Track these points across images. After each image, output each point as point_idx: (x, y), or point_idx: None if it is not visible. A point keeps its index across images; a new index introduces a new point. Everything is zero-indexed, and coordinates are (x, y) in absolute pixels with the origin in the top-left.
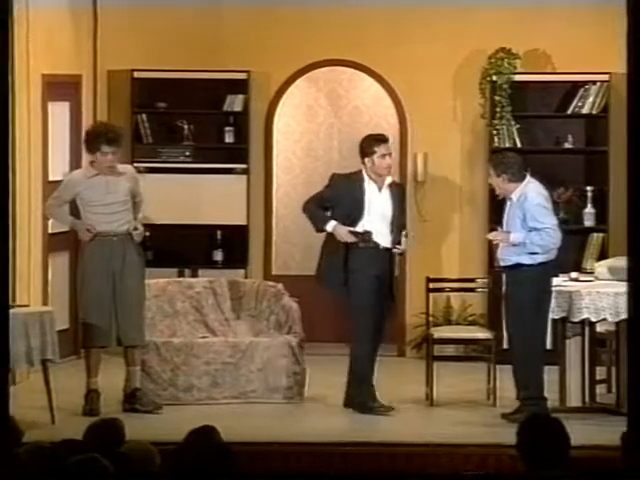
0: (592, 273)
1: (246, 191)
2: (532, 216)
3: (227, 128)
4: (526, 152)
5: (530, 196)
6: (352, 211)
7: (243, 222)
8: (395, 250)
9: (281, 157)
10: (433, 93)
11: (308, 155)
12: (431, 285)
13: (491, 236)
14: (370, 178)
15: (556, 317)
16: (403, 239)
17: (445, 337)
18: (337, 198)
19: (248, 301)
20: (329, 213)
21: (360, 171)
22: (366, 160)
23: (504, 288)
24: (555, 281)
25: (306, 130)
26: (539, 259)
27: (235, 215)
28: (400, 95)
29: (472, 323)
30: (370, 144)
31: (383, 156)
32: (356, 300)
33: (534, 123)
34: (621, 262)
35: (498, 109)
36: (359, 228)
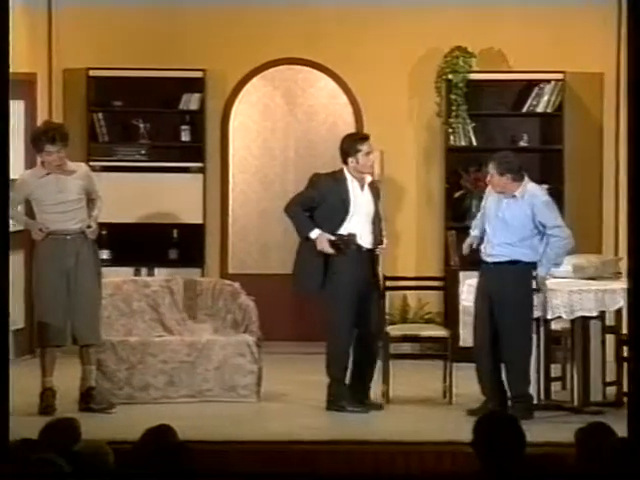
0: None
1: (202, 190)
2: (543, 214)
3: (183, 127)
4: (482, 150)
5: (537, 194)
6: (337, 211)
7: (199, 221)
8: (378, 251)
9: (237, 156)
10: (389, 92)
11: (264, 154)
12: (388, 283)
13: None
14: (353, 177)
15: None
16: (384, 239)
17: (402, 335)
18: (322, 198)
19: (205, 300)
20: (310, 213)
21: (341, 170)
22: (350, 160)
23: (489, 285)
24: None
25: (262, 129)
26: (534, 256)
27: (191, 214)
28: (356, 94)
29: (429, 321)
30: (353, 143)
31: (367, 154)
32: (336, 304)
33: (489, 122)
34: (576, 260)
35: (454, 107)
36: (343, 230)
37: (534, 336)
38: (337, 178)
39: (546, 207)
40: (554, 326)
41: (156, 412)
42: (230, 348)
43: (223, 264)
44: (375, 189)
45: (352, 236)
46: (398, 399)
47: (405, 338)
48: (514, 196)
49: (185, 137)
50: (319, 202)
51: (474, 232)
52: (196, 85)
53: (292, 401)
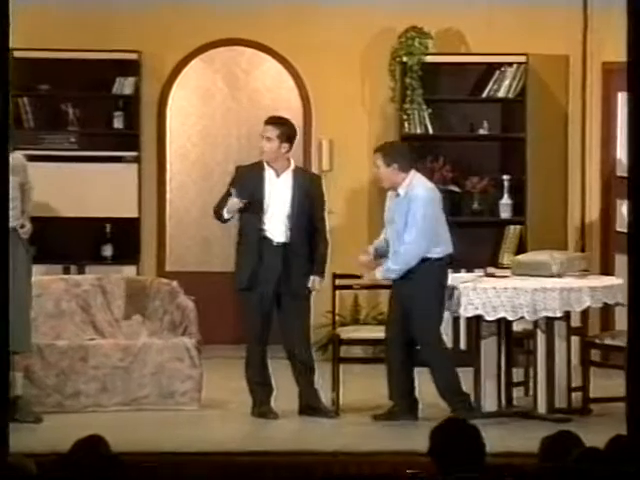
0: (509, 268)
1: (137, 181)
2: (412, 214)
3: (116, 113)
4: (438, 139)
5: (418, 191)
6: (255, 204)
7: (134, 214)
8: (313, 285)
9: (175, 144)
10: (339, 75)
11: (205, 141)
12: (337, 282)
13: (362, 260)
14: (269, 164)
15: (469, 316)
16: (317, 281)
17: (353, 338)
18: (241, 192)
19: (140, 300)
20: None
21: (262, 160)
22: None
23: (396, 286)
24: (469, 277)
25: (202, 115)
26: (437, 254)
27: (125, 207)
28: (303, 77)
29: (382, 323)
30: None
31: (262, 138)
32: (248, 303)
33: (447, 107)
34: (540, 256)
35: (409, 92)
36: (265, 223)
37: (495, 338)
38: (255, 167)
39: (419, 205)
40: (516, 327)
41: (87, 421)
42: (168, 352)
43: (160, 261)
44: (304, 178)
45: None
46: (349, 406)
47: (356, 341)
48: (398, 194)
49: (118, 124)
50: (240, 196)
51: (380, 237)
52: (130, 68)
53: (235, 409)
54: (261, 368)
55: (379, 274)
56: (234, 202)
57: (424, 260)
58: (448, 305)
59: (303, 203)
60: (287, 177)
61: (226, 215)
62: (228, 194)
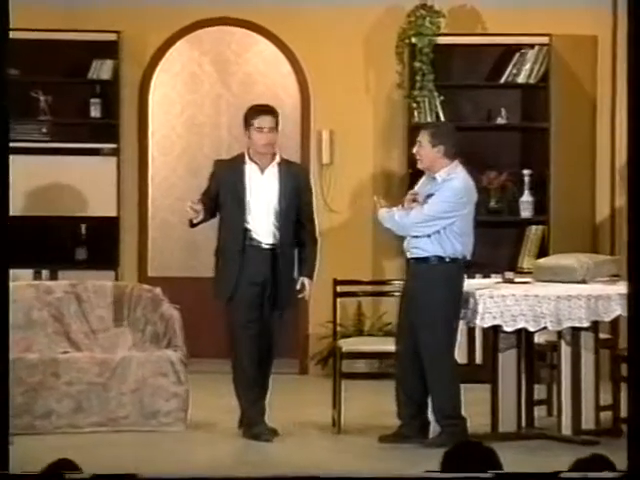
0: (530, 273)
1: (116, 176)
2: (439, 196)
3: (93, 100)
4: None
5: (455, 183)
6: (234, 203)
7: (112, 213)
8: (302, 294)
9: (158, 135)
10: (341, 58)
11: (191, 132)
12: (339, 289)
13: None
14: (250, 158)
15: (486, 326)
16: (306, 286)
17: (356, 350)
18: (219, 189)
19: (119, 309)
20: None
21: (243, 152)
22: (246, 134)
23: (407, 288)
24: (485, 283)
25: (188, 102)
26: (452, 254)
27: (103, 205)
28: (301, 61)
29: (388, 334)
30: (251, 115)
31: (260, 130)
32: (232, 313)
33: (461, 94)
34: (564, 260)
35: (418, 78)
36: (250, 224)
37: (515, 351)
38: (235, 162)
39: (450, 195)
40: (538, 339)
41: (60, 444)
42: (150, 366)
43: (141, 266)
44: (291, 172)
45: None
46: (351, 427)
47: (360, 354)
48: (434, 178)
49: (95, 112)
50: (217, 194)
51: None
52: (108, 50)
53: (223, 430)
54: (254, 383)
55: (380, 213)
56: (191, 206)
57: (436, 259)
58: (462, 314)
59: (291, 200)
60: (272, 172)
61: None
62: (205, 192)
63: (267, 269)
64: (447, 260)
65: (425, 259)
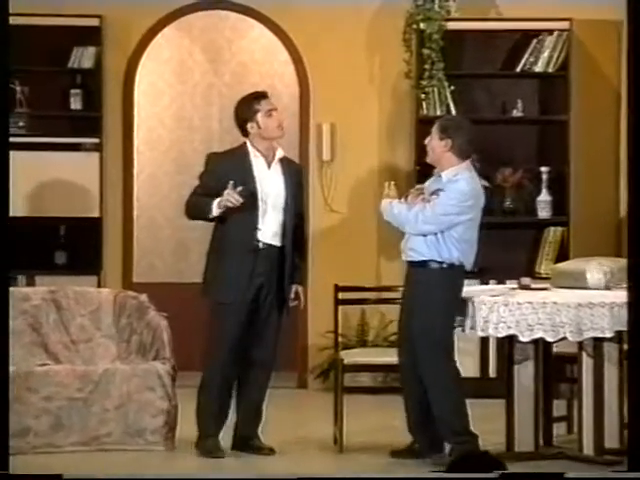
0: (548, 279)
1: (99, 173)
2: (443, 197)
3: (73, 91)
4: None
5: (461, 185)
6: (245, 199)
7: (95, 214)
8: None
9: (145, 128)
10: (343, 45)
11: (180, 125)
12: (341, 295)
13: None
14: (256, 151)
15: (500, 336)
16: (299, 290)
17: (359, 363)
18: (220, 185)
19: (102, 317)
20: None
21: (243, 144)
22: (249, 126)
23: (404, 291)
24: (499, 289)
25: (177, 93)
26: (451, 260)
27: (84, 205)
28: (300, 48)
29: (394, 345)
30: (249, 104)
31: (269, 112)
32: (225, 317)
33: (473, 84)
34: (585, 264)
35: (427, 66)
36: (260, 223)
37: (532, 363)
38: (237, 155)
39: (454, 197)
40: (556, 350)
41: (38, 464)
42: (136, 380)
43: (126, 270)
44: (290, 169)
45: (246, 189)
46: (354, 445)
47: (363, 366)
48: (440, 176)
49: (76, 104)
50: (218, 191)
51: None
52: (90, 36)
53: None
54: (224, 394)
55: (382, 203)
56: (232, 194)
57: (432, 264)
58: (472, 323)
59: (294, 198)
60: (277, 167)
61: (215, 211)
62: (201, 187)
63: (274, 271)
64: (444, 266)
65: (421, 263)
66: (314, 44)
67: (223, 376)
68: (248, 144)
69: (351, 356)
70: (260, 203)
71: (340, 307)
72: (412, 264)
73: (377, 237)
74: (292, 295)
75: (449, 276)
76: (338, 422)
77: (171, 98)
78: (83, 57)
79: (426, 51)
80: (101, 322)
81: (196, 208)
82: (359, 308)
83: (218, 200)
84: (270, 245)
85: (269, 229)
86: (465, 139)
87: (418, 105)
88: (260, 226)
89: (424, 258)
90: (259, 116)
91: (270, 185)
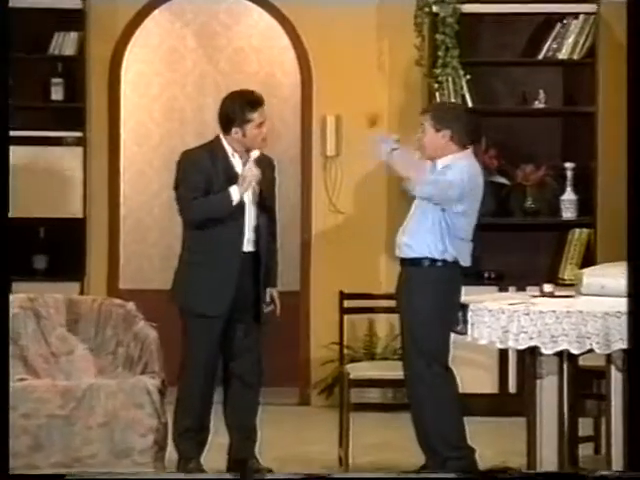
0: (573, 285)
1: (82, 170)
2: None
3: (54, 80)
4: (480, 114)
5: (458, 167)
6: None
7: (78, 214)
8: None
9: (132, 121)
10: (349, 30)
11: (171, 118)
12: (346, 303)
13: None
14: (234, 150)
15: (521, 348)
16: (275, 297)
17: (366, 377)
18: (208, 184)
19: (86, 327)
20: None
21: (217, 139)
22: (233, 131)
23: (396, 293)
24: (520, 297)
25: (168, 82)
26: (445, 255)
27: (66, 204)
28: (302, 33)
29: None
30: (241, 109)
31: (260, 126)
32: (202, 330)
33: (491, 73)
34: (613, 269)
35: (441, 53)
36: (246, 225)
37: (555, 378)
38: (214, 152)
39: (455, 183)
40: (582, 363)
41: None
42: (122, 396)
43: (112, 276)
44: (263, 164)
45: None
46: (361, 466)
47: (371, 381)
48: (434, 165)
49: (57, 95)
50: (206, 188)
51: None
52: (73, 21)
53: (208, 470)
54: (203, 414)
55: (383, 148)
56: (252, 168)
57: (426, 261)
58: (488, 333)
59: (268, 197)
60: (250, 165)
61: (236, 197)
62: (193, 189)
63: (250, 277)
64: (439, 264)
65: (413, 261)
66: (317, 29)
67: (201, 394)
68: (224, 141)
69: (358, 370)
70: (246, 204)
71: (346, 316)
72: (404, 262)
73: (386, 240)
74: (267, 299)
75: (443, 276)
76: (344, 442)
77: (161, 88)
78: (65, 43)
79: (439, 36)
80: (84, 333)
81: (210, 205)
82: (366, 317)
83: (236, 185)
84: (252, 249)
85: (251, 232)
86: (463, 126)
87: (431, 96)
88: (246, 232)
89: (417, 255)
90: (248, 127)
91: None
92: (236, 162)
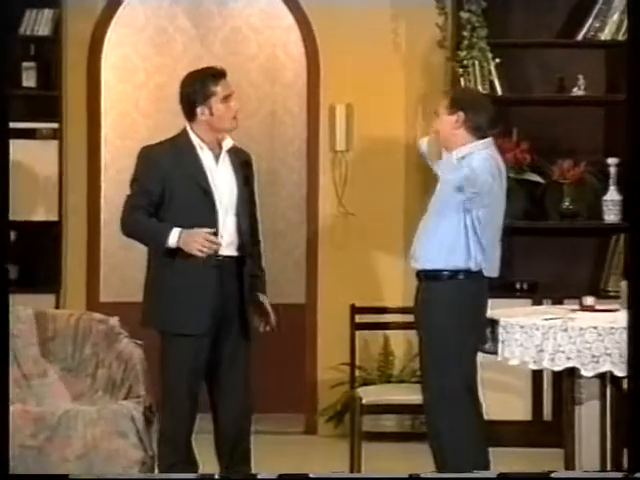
0: (617, 298)
1: (57, 166)
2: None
3: (26, 64)
4: (511, 102)
5: (476, 160)
6: (198, 202)
7: (53, 217)
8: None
9: (115, 111)
10: (362, 7)
11: (159, 108)
12: (358, 318)
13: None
14: (202, 142)
15: (558, 369)
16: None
17: (381, 402)
18: (165, 185)
19: (62, 346)
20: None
21: (184, 132)
22: (199, 111)
23: (418, 306)
24: (556, 311)
25: (157, 67)
26: (469, 265)
27: (40, 205)
28: (308, 11)
29: None
30: (203, 83)
31: (226, 98)
32: (172, 340)
33: (524, 56)
34: None
35: (466, 33)
36: (221, 230)
37: (598, 403)
38: (179, 147)
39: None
40: (628, 387)
41: None
42: (103, 424)
43: (91, 288)
44: (240, 160)
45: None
46: None
47: (386, 407)
48: (451, 155)
49: (29, 81)
50: (164, 193)
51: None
52: None
53: None
54: (187, 444)
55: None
56: (210, 239)
57: (444, 273)
58: (520, 353)
59: (247, 197)
60: (226, 161)
61: (173, 243)
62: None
63: (235, 288)
64: (460, 276)
65: (431, 274)
66: (325, 6)
67: (185, 423)
68: (190, 132)
69: (371, 394)
70: (216, 202)
71: (357, 333)
72: (421, 274)
73: (403, 245)
74: (262, 307)
75: (467, 289)
76: (355, 472)
77: (147, 74)
78: (38, 22)
79: (465, 14)
80: (60, 352)
81: (145, 233)
82: (381, 334)
83: (180, 232)
84: (226, 257)
85: (228, 237)
86: (482, 115)
87: (455, 81)
88: (221, 235)
89: (435, 267)
90: (214, 101)
91: (221, 183)
92: (205, 156)
